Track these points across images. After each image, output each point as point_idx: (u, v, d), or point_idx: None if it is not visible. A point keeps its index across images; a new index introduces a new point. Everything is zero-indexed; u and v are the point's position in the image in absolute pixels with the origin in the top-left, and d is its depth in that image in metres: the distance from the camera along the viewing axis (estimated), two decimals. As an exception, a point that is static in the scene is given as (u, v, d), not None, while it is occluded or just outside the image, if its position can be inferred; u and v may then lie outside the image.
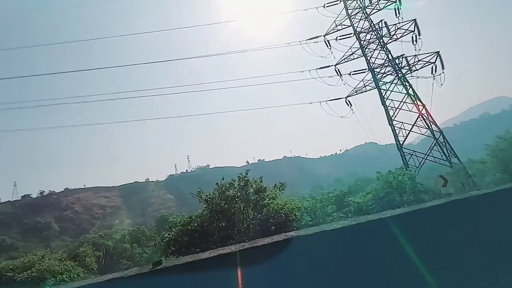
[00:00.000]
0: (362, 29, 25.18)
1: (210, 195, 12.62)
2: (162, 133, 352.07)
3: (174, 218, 14.37)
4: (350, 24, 25.42)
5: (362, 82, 25.79)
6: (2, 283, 13.54)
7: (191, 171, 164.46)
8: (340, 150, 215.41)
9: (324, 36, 25.65)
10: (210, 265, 2.23)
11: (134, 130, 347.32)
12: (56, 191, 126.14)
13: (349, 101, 26.12)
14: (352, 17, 25.48)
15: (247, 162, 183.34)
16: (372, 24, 24.92)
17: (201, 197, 12.74)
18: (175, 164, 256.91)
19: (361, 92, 26.17)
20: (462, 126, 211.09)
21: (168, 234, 12.35)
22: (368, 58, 25.29)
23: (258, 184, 13.13)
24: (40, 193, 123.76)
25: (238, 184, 13.03)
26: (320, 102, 25.66)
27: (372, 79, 25.19)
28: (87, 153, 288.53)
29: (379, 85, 24.90)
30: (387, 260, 2.45)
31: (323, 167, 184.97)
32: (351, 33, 25.28)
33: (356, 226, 2.58)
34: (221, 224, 12.00)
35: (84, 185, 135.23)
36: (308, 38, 25.14)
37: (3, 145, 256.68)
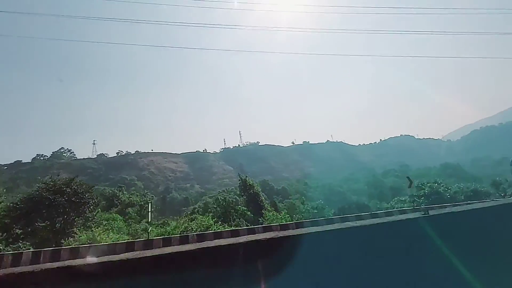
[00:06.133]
0: None
1: None
2: (211, 109, 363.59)
3: None
4: None
5: None
6: None
7: (243, 145, 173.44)
8: (380, 140, 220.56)
9: None
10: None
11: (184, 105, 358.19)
12: (131, 152, 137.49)
13: None
14: None
15: (293, 142, 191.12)
16: None
17: None
18: (224, 139, 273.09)
19: None
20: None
21: None
22: None
23: None
24: (117, 153, 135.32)
25: None
26: None
27: None
28: (141, 120, 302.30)
29: None
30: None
31: (365, 154, 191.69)
32: None
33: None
34: None
35: (152, 150, 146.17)
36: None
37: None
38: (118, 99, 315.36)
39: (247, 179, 25.18)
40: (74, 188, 18.54)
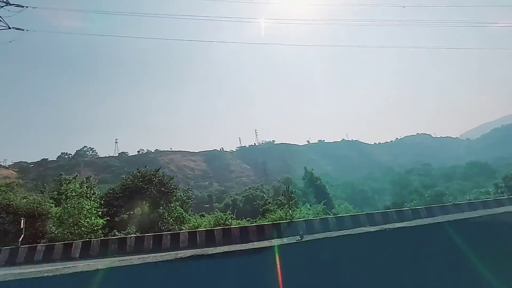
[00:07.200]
0: None
1: None
2: (225, 107, 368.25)
3: None
4: None
5: None
6: None
7: (259, 144, 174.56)
8: (396, 138, 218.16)
9: None
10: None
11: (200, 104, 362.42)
12: (151, 150, 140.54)
13: None
14: None
15: (308, 141, 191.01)
16: None
17: None
18: (239, 137, 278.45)
19: None
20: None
21: None
22: None
23: None
24: (138, 151, 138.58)
25: None
26: None
27: None
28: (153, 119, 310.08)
29: None
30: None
31: (381, 153, 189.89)
32: None
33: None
34: None
35: (171, 148, 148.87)
36: None
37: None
38: (134, 98, 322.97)
39: (312, 171, 26.10)
40: (160, 178, 19.77)
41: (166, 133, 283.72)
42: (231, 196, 77.61)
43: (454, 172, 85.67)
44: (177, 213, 19.91)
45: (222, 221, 15.02)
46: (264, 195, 71.47)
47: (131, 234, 15.00)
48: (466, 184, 66.03)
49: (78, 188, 14.28)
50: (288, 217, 12.40)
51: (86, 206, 13.51)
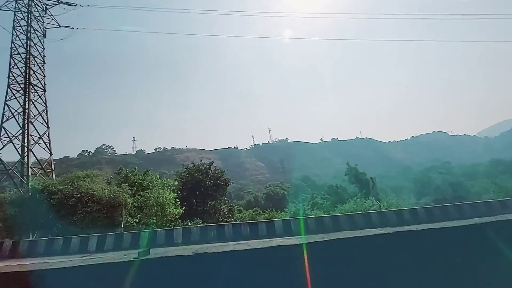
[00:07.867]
0: None
1: None
2: (237, 105, 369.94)
3: None
4: None
5: None
6: None
7: (272, 142, 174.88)
8: (412, 136, 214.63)
9: None
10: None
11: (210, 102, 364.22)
12: (168, 148, 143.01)
13: None
14: None
15: (321, 139, 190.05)
16: None
17: None
18: (252, 135, 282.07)
19: None
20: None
21: None
22: None
23: None
24: (155, 149, 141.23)
25: None
26: None
27: None
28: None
29: None
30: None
31: (397, 151, 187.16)
32: None
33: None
34: None
35: (186, 146, 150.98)
36: None
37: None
38: (149, 97, 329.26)
39: (357, 167, 26.48)
40: (213, 171, 20.51)
41: (180, 131, 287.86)
42: (252, 193, 78.61)
43: (476, 170, 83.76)
44: (230, 206, 20.66)
45: (302, 212, 15.75)
46: (285, 192, 72.35)
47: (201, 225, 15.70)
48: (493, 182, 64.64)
49: (158, 178, 15.14)
50: (375, 207, 12.88)
51: (169, 196, 14.33)
